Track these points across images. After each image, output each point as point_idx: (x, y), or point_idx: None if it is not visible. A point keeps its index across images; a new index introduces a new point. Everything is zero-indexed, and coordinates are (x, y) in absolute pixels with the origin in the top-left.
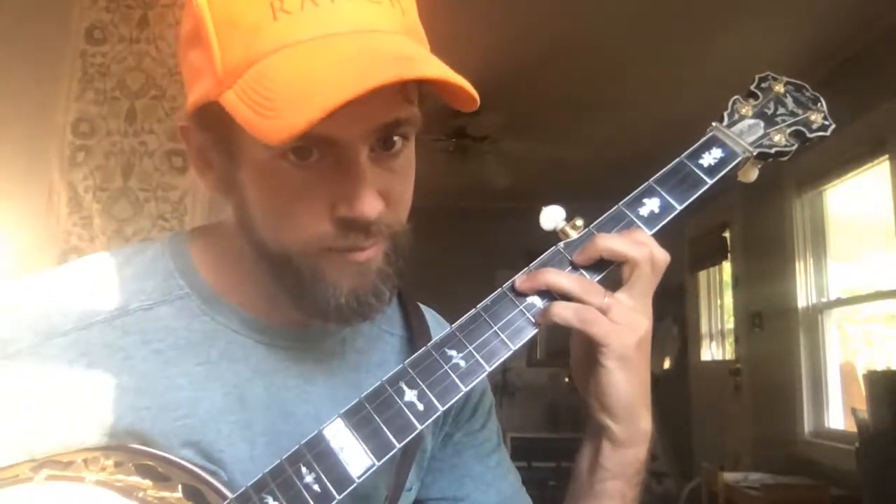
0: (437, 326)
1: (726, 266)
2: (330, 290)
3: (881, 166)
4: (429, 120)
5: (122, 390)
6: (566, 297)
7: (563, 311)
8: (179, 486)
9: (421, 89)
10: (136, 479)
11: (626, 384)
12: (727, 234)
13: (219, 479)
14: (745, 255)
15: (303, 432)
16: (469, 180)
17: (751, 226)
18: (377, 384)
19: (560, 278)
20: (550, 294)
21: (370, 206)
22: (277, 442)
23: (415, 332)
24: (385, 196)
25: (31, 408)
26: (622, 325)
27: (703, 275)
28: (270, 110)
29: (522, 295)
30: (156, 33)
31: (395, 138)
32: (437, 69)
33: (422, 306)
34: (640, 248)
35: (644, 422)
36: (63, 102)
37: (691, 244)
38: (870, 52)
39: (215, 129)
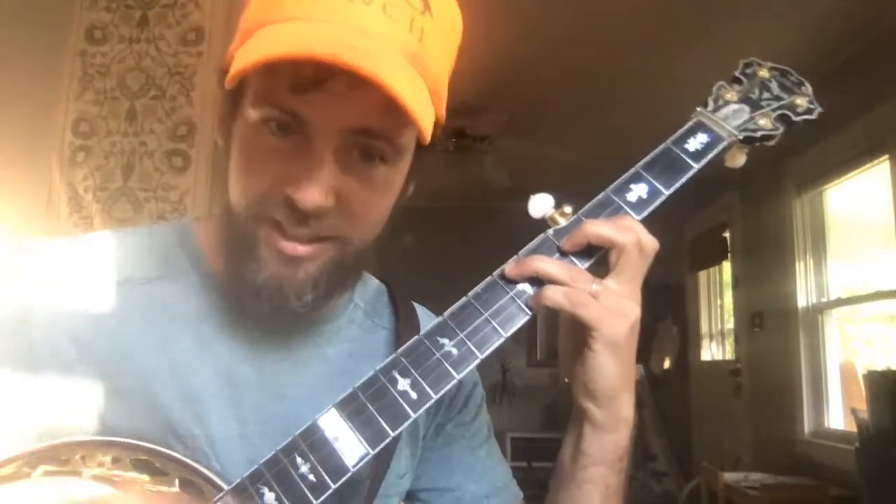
0: (429, 322)
1: (726, 266)
2: (255, 267)
3: (881, 166)
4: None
5: (123, 356)
6: (554, 283)
7: (554, 295)
8: (176, 481)
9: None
10: (133, 475)
11: (612, 369)
12: (727, 234)
13: (213, 471)
14: (745, 255)
15: (296, 415)
16: (469, 180)
17: (751, 226)
18: (370, 373)
19: (548, 265)
20: (540, 280)
21: (313, 196)
22: (269, 423)
23: (402, 326)
24: (343, 202)
25: (42, 370)
26: (612, 310)
27: (703, 275)
28: (240, 58)
29: (513, 282)
30: (156, 33)
31: (375, 154)
32: (380, 71)
33: (417, 305)
34: (627, 233)
35: (626, 408)
36: (63, 102)
37: (691, 244)
38: (870, 52)
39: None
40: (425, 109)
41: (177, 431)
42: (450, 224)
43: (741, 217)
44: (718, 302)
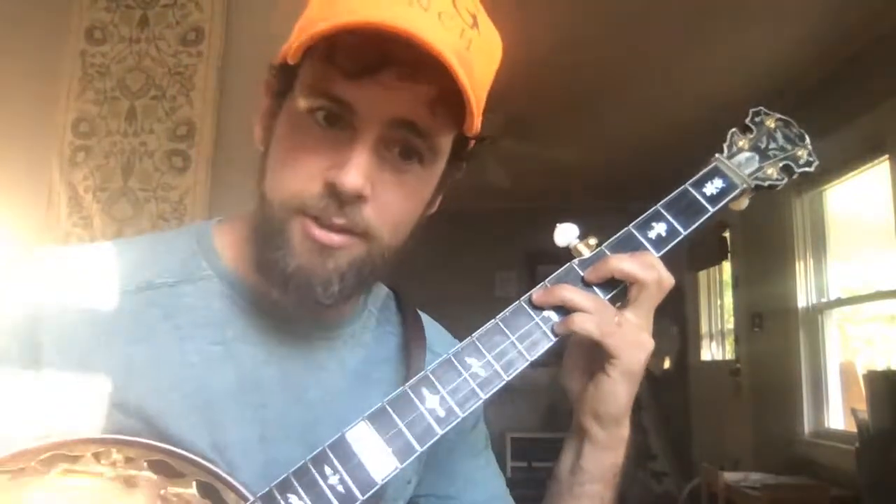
0: (435, 332)
1: (726, 266)
2: (288, 257)
3: (881, 166)
4: None
5: (140, 360)
6: (580, 312)
7: (584, 323)
8: (194, 483)
9: (460, 132)
10: (148, 475)
11: (624, 395)
12: (727, 234)
13: (232, 467)
14: (745, 255)
15: (315, 419)
16: (469, 180)
17: (751, 226)
18: (399, 389)
19: (575, 295)
20: (565, 308)
21: (352, 178)
22: (290, 426)
23: (410, 335)
24: (377, 194)
25: (52, 372)
26: (632, 341)
27: (703, 275)
28: (298, 38)
29: (539, 308)
30: (156, 33)
31: (413, 154)
32: (441, 47)
33: (421, 314)
34: (650, 271)
35: (624, 429)
36: (63, 102)
37: (691, 244)
38: (870, 52)
39: (280, 81)
40: (476, 101)
41: (183, 439)
42: (450, 224)
43: (741, 217)
44: (718, 302)
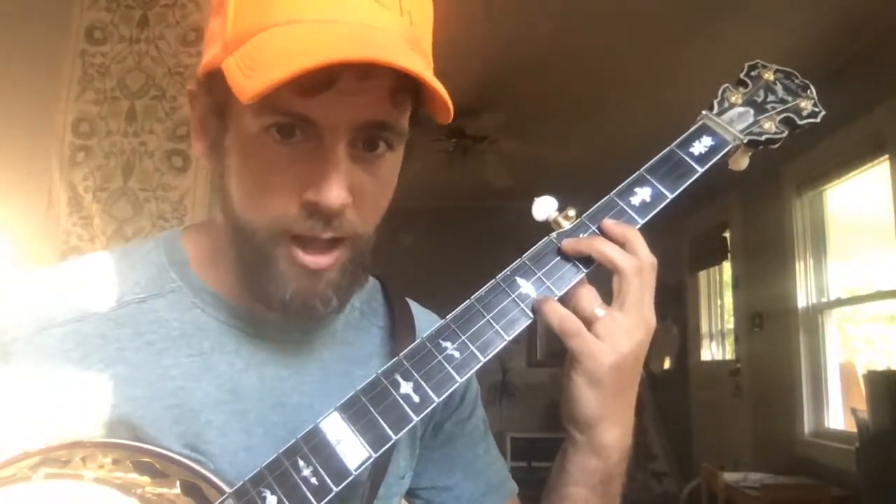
0: (427, 321)
1: (726, 266)
2: (278, 282)
3: (881, 166)
4: (428, 120)
5: (115, 380)
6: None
7: (551, 314)
8: (178, 483)
9: (415, 104)
10: (133, 476)
11: (590, 400)
12: (727, 234)
13: (219, 476)
14: (745, 255)
15: (298, 423)
16: (469, 180)
17: (751, 226)
18: (373, 377)
19: (600, 245)
20: (545, 284)
21: (336, 193)
22: (273, 432)
23: (397, 325)
24: (356, 196)
25: (26, 398)
26: (605, 342)
27: (703, 275)
28: (251, 70)
29: (515, 285)
30: (156, 33)
31: (380, 142)
32: (411, 64)
33: (411, 302)
34: (629, 259)
35: (608, 437)
36: (63, 102)
37: (691, 244)
38: (870, 52)
39: (215, 95)
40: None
41: (175, 450)
42: (450, 224)
43: (741, 217)
44: (718, 302)
